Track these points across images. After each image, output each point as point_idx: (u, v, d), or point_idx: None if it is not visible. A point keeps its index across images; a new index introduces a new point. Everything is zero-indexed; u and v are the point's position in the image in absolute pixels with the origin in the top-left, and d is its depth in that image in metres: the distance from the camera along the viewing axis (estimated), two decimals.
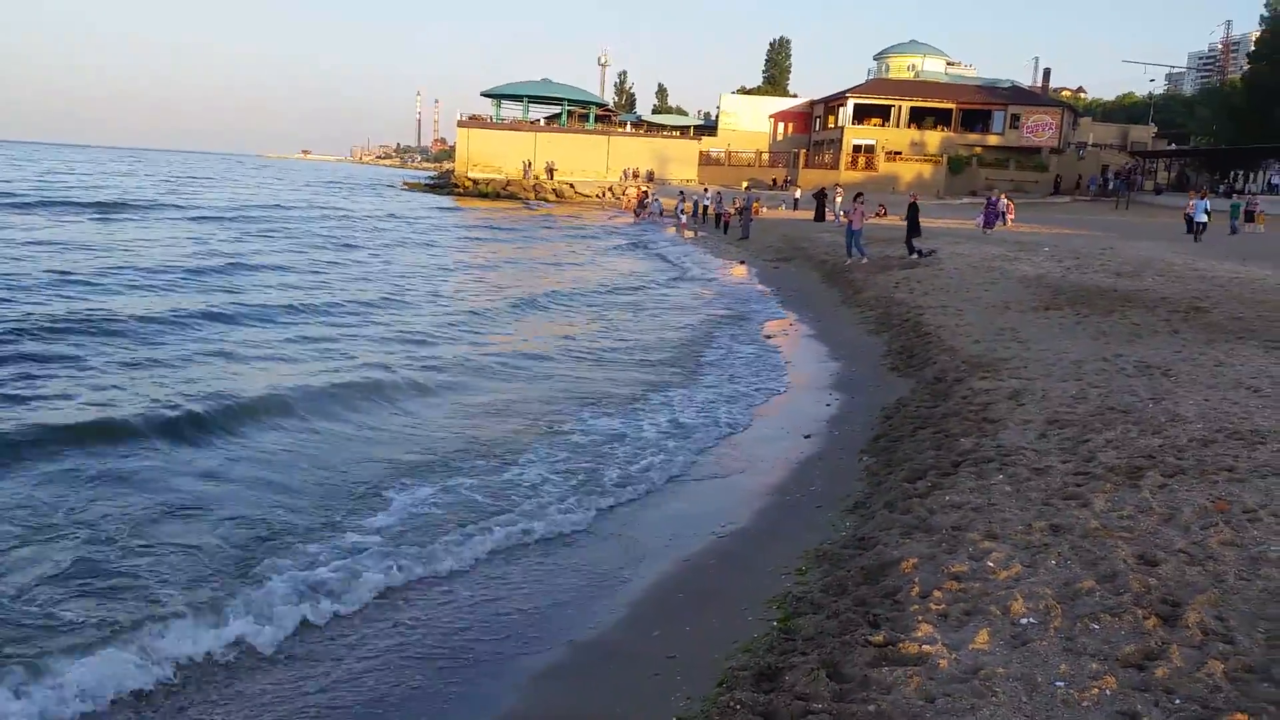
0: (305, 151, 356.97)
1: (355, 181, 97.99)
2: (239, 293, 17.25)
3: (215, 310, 14.95)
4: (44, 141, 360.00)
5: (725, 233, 38.87)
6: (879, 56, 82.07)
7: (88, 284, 16.87)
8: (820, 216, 40.61)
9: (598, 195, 65.03)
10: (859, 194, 25.99)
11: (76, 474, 7.34)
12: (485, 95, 77.56)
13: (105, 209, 35.29)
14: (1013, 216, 37.06)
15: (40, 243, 23.11)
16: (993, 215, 32.52)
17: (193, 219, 34.17)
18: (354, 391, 10.36)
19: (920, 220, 24.24)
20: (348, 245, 29.02)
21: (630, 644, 5.22)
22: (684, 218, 43.52)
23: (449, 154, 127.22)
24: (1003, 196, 37.60)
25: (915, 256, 22.55)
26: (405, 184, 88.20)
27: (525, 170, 68.44)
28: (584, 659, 5.10)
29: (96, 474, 7.36)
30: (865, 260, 23.26)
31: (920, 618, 4.47)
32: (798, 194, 45.07)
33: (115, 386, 9.91)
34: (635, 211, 52.13)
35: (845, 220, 25.05)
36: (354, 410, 9.74)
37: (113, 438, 8.11)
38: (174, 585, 5.63)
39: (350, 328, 14.69)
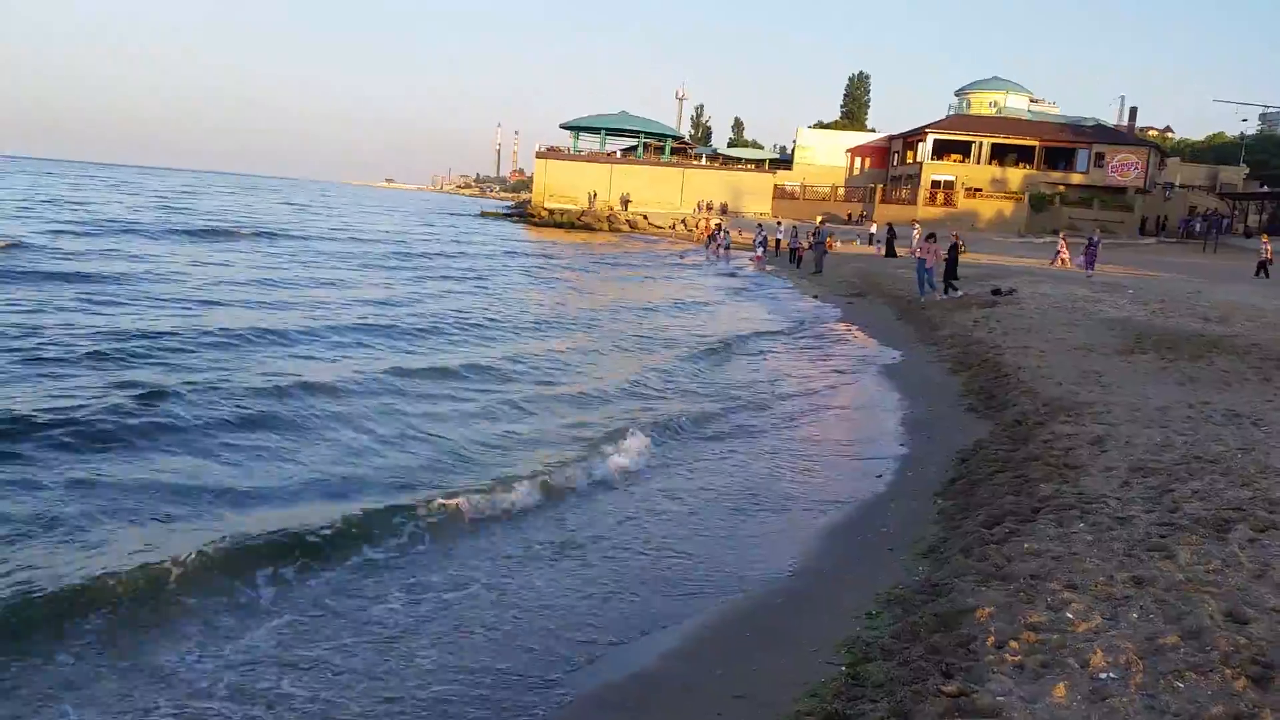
0: (389, 180, 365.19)
1: (446, 210, 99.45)
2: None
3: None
4: (145, 165, 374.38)
5: (798, 266, 38.72)
6: (960, 92, 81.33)
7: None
8: (891, 252, 40.27)
9: (670, 227, 65.35)
10: (931, 233, 25.82)
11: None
12: (564, 127, 78.71)
13: (272, 237, 35.30)
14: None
15: (278, 282, 22.52)
16: (1093, 256, 31.45)
17: (362, 261, 31.83)
18: None
19: (960, 259, 24.33)
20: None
21: (694, 680, 5.18)
22: (759, 250, 43.50)
23: (526, 184, 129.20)
24: (1099, 234, 36.45)
25: (950, 294, 22.82)
26: (483, 213, 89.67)
27: (591, 201, 69.11)
28: (647, 693, 5.07)
29: None
30: (940, 297, 23.07)
31: (995, 668, 4.36)
32: (873, 229, 44.71)
33: None
34: (706, 244, 52.26)
35: (918, 255, 24.87)
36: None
37: None
38: None
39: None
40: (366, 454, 8.97)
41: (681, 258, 45.08)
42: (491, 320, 19.27)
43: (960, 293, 22.84)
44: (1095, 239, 33.04)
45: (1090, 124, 72.83)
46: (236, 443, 8.90)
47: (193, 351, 12.87)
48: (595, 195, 69.35)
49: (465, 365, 13.60)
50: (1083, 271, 30.77)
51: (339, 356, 13.82)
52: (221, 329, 14.56)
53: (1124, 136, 73.65)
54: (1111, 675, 4.18)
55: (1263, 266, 34.05)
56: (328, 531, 6.68)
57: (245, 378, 11.42)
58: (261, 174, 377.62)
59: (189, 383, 10.67)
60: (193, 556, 5.97)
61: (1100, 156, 68.49)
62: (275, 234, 38.96)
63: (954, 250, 24.40)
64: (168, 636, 5.31)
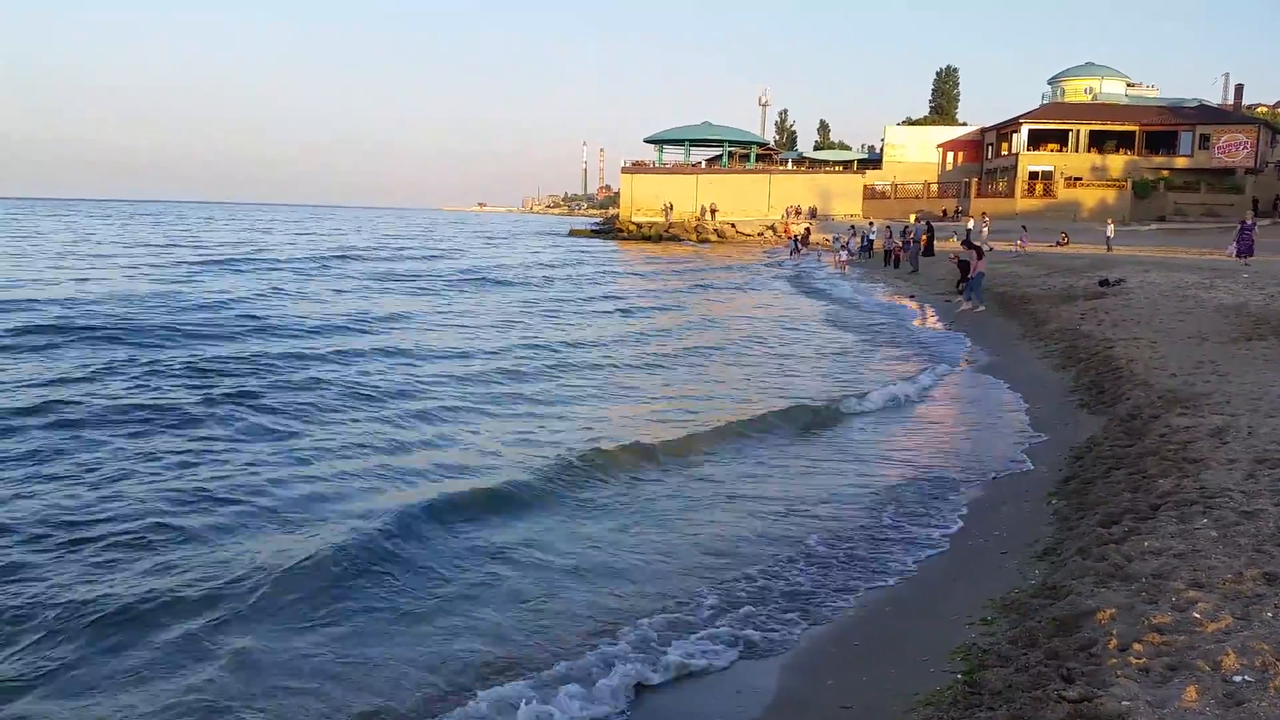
0: (481, 204, 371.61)
1: (543, 231, 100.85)
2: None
3: None
4: (240, 201, 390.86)
5: (895, 268, 38.09)
6: (1053, 80, 78.96)
7: None
8: (929, 251, 38.50)
9: (758, 234, 65.03)
10: (966, 239, 25.63)
11: None
12: (648, 141, 79.24)
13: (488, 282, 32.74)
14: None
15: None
16: (1247, 242, 28.68)
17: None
18: None
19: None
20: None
21: (802, 691, 5.13)
22: (844, 254, 42.89)
23: (613, 200, 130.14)
24: (1251, 217, 33.61)
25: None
26: (572, 231, 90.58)
27: (666, 213, 69.16)
28: (754, 706, 5.04)
29: None
30: (981, 308, 22.67)
31: (1119, 672, 4.21)
32: (970, 224, 43.71)
33: None
34: (791, 250, 51.75)
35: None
36: None
37: None
38: None
39: None
40: None
41: (774, 266, 44.65)
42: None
43: (1120, 280, 21.85)
44: (1249, 223, 29.92)
45: (1193, 105, 69.88)
46: None
47: None
48: (671, 207, 69.39)
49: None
50: (1238, 260, 27.94)
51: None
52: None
53: (1230, 115, 70.35)
54: (1246, 678, 3.99)
55: None
56: None
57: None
58: (370, 206, 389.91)
59: None
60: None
61: (1205, 138, 65.51)
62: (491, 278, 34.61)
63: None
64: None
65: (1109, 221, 44.48)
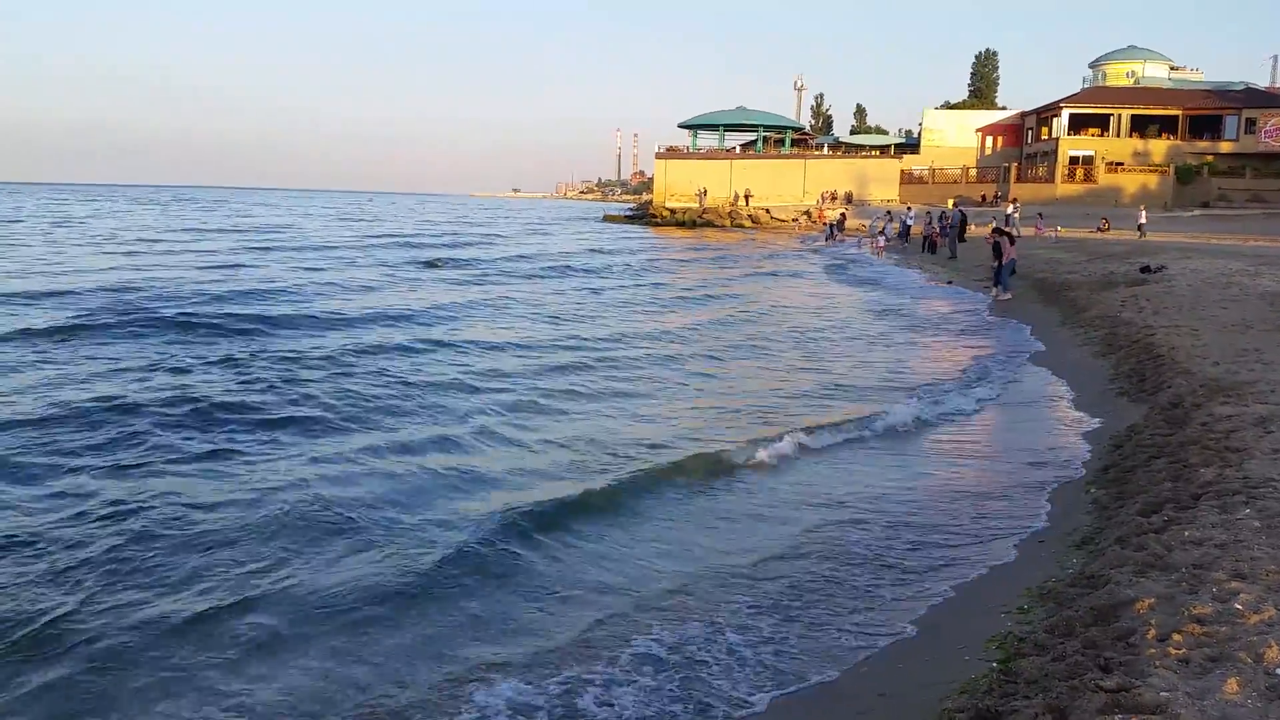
0: (515, 190, 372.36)
1: (579, 217, 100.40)
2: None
3: None
4: (269, 187, 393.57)
5: (933, 253, 37.71)
6: (1094, 64, 77.65)
7: None
8: (961, 237, 37.93)
9: (793, 220, 64.67)
10: (997, 227, 25.23)
11: None
12: (682, 126, 78.90)
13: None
14: None
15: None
16: None
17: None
18: None
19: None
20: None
21: (837, 679, 5.13)
22: (881, 239, 42.46)
23: (647, 186, 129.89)
24: None
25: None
26: (606, 216, 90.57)
27: (700, 198, 68.80)
28: (788, 692, 5.04)
29: None
30: (1008, 296, 22.31)
31: (1158, 663, 4.16)
32: (1010, 209, 43.12)
33: None
34: (826, 236, 51.31)
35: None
36: None
37: None
38: None
39: None
40: None
41: (813, 254, 44.25)
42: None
43: (1161, 266, 21.45)
44: None
45: (1238, 88, 68.39)
46: None
47: None
48: (705, 192, 69.04)
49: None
50: None
51: None
52: None
53: (1277, 99, 68.78)
54: None
55: None
56: None
57: None
58: (403, 192, 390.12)
59: None
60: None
61: (1251, 122, 64.09)
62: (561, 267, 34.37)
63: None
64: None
65: (1141, 207, 43.81)
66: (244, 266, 28.29)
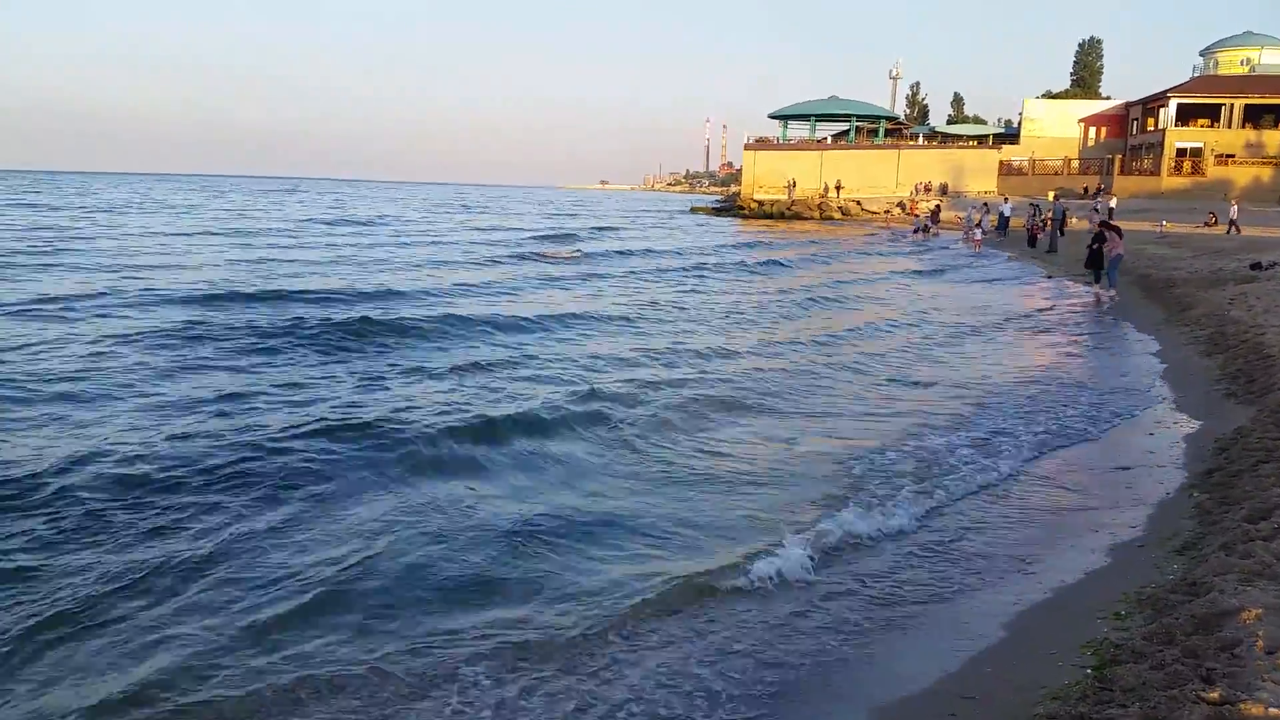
0: (604, 182, 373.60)
1: (666, 209, 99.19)
2: None
3: None
4: (364, 179, 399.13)
5: (1033, 247, 36.78)
6: (1206, 52, 74.47)
7: None
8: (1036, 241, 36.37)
9: (884, 212, 63.59)
10: (1105, 220, 23.81)
11: None
12: (772, 117, 78.24)
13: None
14: None
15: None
16: None
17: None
18: None
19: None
20: None
21: (922, 681, 5.03)
22: (978, 232, 41.31)
23: (735, 177, 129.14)
24: None
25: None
26: (693, 208, 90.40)
27: (789, 190, 67.91)
28: (874, 694, 4.96)
29: None
30: (1114, 295, 21.06)
31: (1266, 676, 3.99)
32: (1112, 203, 41.73)
33: None
34: (915, 229, 49.29)
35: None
36: None
37: None
38: None
39: None
40: None
41: (903, 250, 43.18)
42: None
43: (1274, 263, 20.39)
44: None
45: None
46: None
47: None
48: (794, 184, 68.13)
49: None
50: None
51: None
52: None
53: None
54: None
55: None
56: None
57: None
58: (493, 184, 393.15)
59: None
60: None
61: None
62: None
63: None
64: None
65: (1232, 201, 41.55)
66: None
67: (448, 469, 8.41)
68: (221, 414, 9.74)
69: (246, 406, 10.11)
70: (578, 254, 33.64)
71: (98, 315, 15.98)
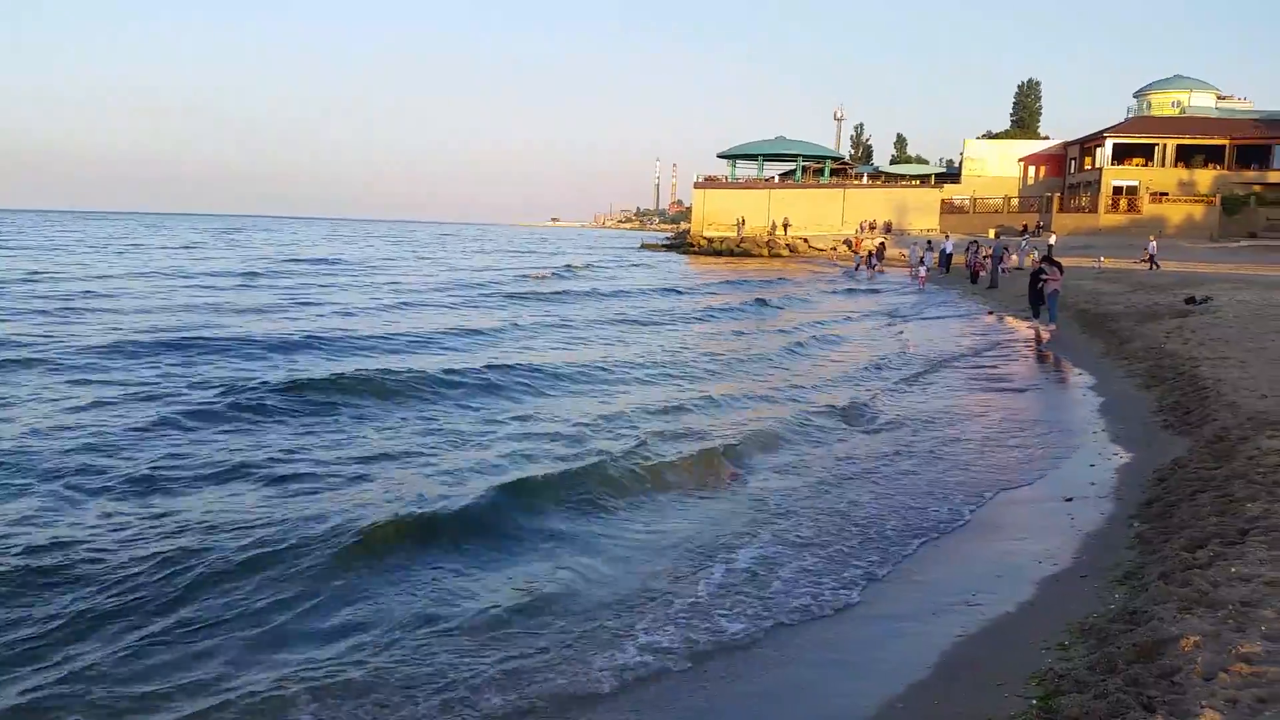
0: (554, 219, 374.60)
1: (621, 246, 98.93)
2: None
3: None
4: (313, 216, 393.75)
5: (974, 283, 37.51)
6: (1139, 94, 76.93)
7: None
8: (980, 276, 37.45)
9: (831, 249, 64.48)
10: (1046, 256, 24.60)
11: None
12: (721, 157, 79.17)
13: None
14: None
15: None
16: None
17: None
18: None
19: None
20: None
21: (871, 715, 5.04)
22: (922, 269, 42.03)
23: (685, 215, 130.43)
24: None
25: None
26: (644, 245, 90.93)
27: (739, 227, 68.77)
28: None
29: None
30: (1054, 329, 21.65)
31: (1204, 702, 4.05)
32: (1052, 240, 42.61)
33: None
34: (856, 265, 50.21)
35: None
36: None
37: None
38: None
39: None
40: None
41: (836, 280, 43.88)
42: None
43: (1207, 298, 20.99)
44: None
45: None
46: None
47: None
48: (743, 221, 68.99)
49: None
50: None
51: None
52: None
53: None
54: None
55: None
56: None
57: None
58: (446, 220, 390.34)
59: None
60: None
61: None
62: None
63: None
64: None
65: (1150, 237, 42.48)
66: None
67: None
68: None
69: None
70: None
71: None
